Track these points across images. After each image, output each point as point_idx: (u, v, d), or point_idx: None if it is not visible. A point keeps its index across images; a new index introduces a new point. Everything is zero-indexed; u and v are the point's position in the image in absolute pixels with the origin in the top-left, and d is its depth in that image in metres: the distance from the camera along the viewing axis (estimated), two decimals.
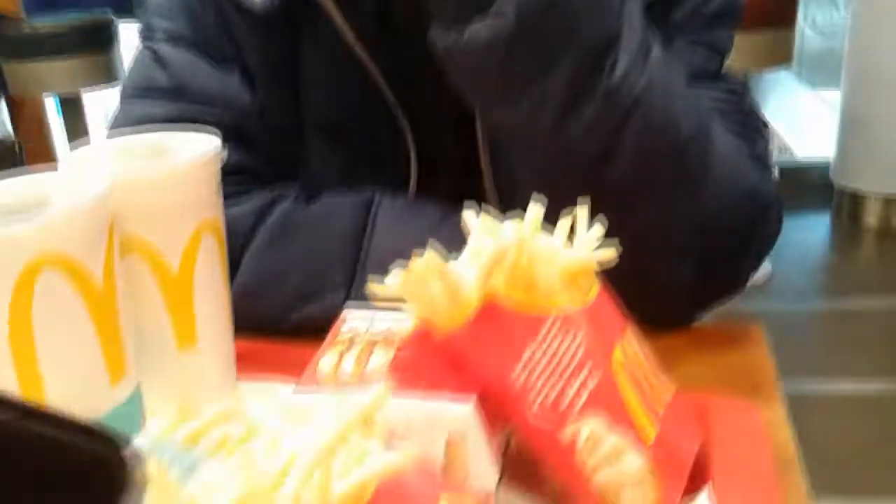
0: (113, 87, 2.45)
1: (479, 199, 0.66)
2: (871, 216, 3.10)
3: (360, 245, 0.65)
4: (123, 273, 0.47)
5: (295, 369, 0.47)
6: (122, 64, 2.43)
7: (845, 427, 1.96)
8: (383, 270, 0.63)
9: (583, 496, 0.40)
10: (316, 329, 0.63)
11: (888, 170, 3.07)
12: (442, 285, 0.41)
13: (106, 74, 2.38)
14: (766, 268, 2.39)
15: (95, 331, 0.45)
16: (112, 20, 2.38)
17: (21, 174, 0.48)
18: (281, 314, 0.65)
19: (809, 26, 3.80)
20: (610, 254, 0.42)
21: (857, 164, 3.10)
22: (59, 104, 2.58)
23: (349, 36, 0.66)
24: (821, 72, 3.69)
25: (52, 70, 2.31)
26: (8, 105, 2.82)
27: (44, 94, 2.58)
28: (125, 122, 0.65)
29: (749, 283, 0.65)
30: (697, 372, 0.56)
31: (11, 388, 0.43)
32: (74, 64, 2.32)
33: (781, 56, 2.61)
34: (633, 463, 0.40)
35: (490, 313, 0.40)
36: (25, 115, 2.65)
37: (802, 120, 3.38)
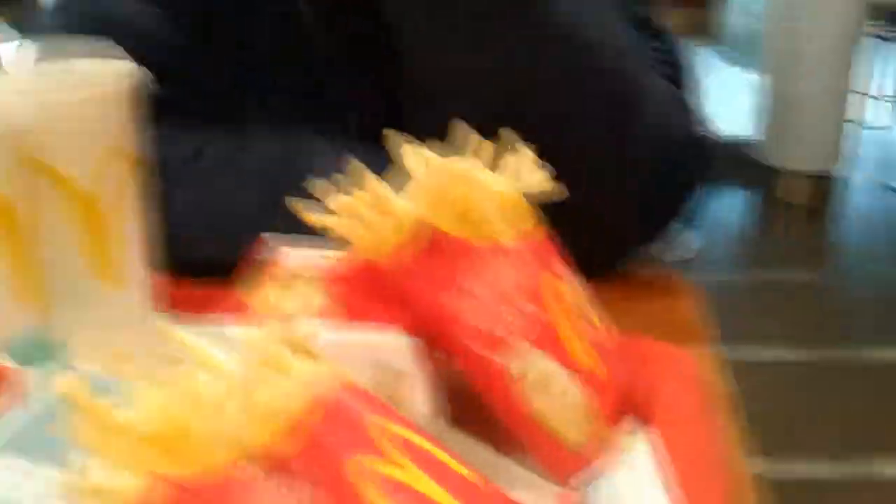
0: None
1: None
2: (796, 193, 3.20)
3: (282, 186, 0.64)
4: (32, 194, 0.45)
5: (213, 308, 0.46)
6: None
7: (770, 392, 2.03)
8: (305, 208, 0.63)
9: (519, 424, 0.40)
10: (233, 269, 0.62)
11: (811, 148, 3.17)
12: (377, 214, 0.40)
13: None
14: (693, 242, 2.44)
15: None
16: None
17: None
18: (202, 254, 0.63)
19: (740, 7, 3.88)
20: (548, 183, 0.41)
21: (782, 142, 3.20)
22: None
23: None
24: (746, 52, 3.77)
25: None
26: None
27: None
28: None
29: (677, 256, 0.66)
30: (629, 321, 0.56)
31: None
32: None
33: (708, 33, 2.66)
34: (569, 392, 0.40)
35: (426, 243, 0.40)
36: None
37: (728, 98, 3.47)
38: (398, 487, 0.31)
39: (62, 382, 0.29)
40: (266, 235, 0.62)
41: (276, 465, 0.29)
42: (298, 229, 0.59)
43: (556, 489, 0.41)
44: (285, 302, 0.43)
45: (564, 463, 0.40)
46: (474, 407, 0.40)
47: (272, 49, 0.71)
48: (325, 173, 0.64)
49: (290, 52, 0.70)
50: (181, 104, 0.66)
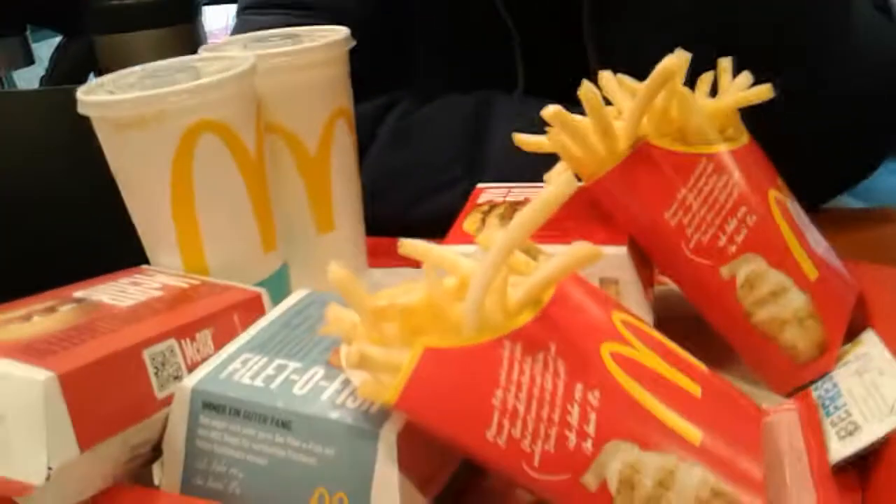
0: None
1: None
2: None
3: (479, 140, 0.66)
4: (268, 153, 0.49)
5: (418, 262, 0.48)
6: (205, 35, 2.48)
7: None
8: (502, 165, 0.65)
9: (742, 333, 0.40)
10: (437, 224, 0.65)
11: None
12: (594, 130, 0.41)
13: (191, 47, 2.43)
14: None
15: (249, 198, 0.46)
16: None
17: None
18: (402, 211, 0.66)
19: None
20: (764, 91, 0.41)
21: None
22: None
23: None
24: None
25: (140, 42, 2.37)
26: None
27: (132, 66, 2.65)
28: (244, 32, 0.68)
29: None
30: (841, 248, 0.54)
31: (171, 243, 0.45)
32: (160, 35, 2.38)
33: None
34: (795, 300, 0.40)
35: (641, 156, 0.40)
36: None
37: None
38: (634, 364, 0.32)
39: (335, 271, 0.32)
40: (459, 193, 0.66)
41: (535, 346, 0.31)
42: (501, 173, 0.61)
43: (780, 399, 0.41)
44: (500, 224, 0.45)
45: (791, 373, 0.40)
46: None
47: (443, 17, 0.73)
48: (518, 120, 0.67)
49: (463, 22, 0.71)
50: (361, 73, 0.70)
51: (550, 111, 0.39)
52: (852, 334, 0.42)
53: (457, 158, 0.66)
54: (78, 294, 0.40)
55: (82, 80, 2.91)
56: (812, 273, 0.41)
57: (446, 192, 0.65)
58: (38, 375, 0.31)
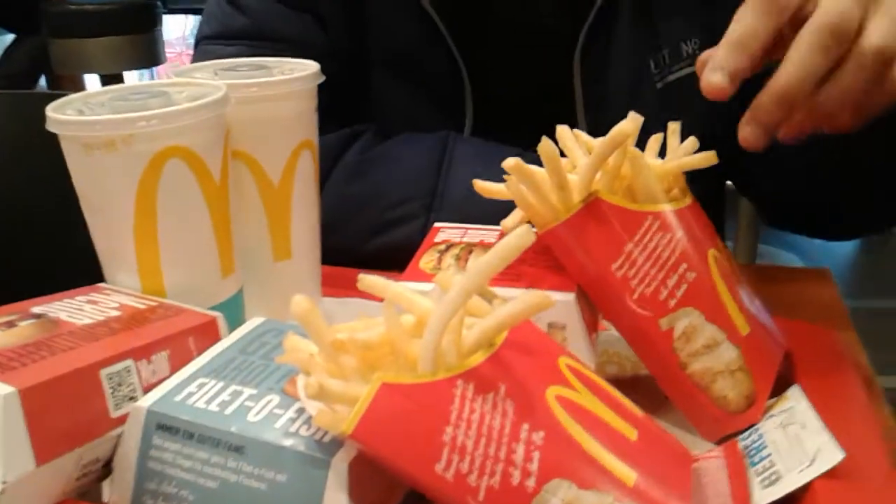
0: (150, 67, 2.48)
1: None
2: None
3: (437, 178, 0.67)
4: (232, 180, 0.50)
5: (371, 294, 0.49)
6: (162, 47, 2.47)
7: None
8: (460, 205, 0.67)
9: (677, 384, 0.43)
10: (392, 256, 0.66)
11: None
12: (550, 183, 0.43)
13: (148, 56, 2.42)
14: None
15: (211, 222, 0.47)
16: (156, 2, 2.42)
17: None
18: (359, 243, 0.67)
19: None
20: (709, 157, 0.44)
21: None
22: (102, 83, 2.61)
23: None
24: None
25: (96, 49, 2.34)
26: (48, 82, 2.87)
27: (84, 72, 2.61)
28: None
29: None
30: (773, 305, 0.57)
31: (130, 263, 0.46)
32: (117, 43, 2.36)
33: None
34: (728, 354, 0.42)
35: (593, 210, 0.43)
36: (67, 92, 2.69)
37: None
38: (577, 408, 0.34)
39: (298, 302, 0.33)
40: (416, 228, 0.67)
41: (486, 386, 0.32)
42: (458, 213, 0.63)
43: (709, 445, 0.43)
44: (455, 264, 0.47)
45: (721, 423, 0.43)
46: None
47: (410, 53, 0.75)
48: (477, 163, 0.69)
49: (425, 57, 0.74)
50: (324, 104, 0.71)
51: (511, 163, 0.41)
52: (779, 389, 0.45)
53: (415, 196, 0.67)
54: (36, 310, 0.41)
55: (31, 80, 2.84)
56: (744, 328, 0.43)
57: (403, 227, 0.67)
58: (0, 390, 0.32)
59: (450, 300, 0.32)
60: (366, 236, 0.68)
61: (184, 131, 0.44)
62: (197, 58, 0.75)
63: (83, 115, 0.45)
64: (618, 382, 0.41)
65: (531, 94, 0.74)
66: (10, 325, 0.38)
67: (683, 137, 0.47)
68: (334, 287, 0.63)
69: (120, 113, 0.44)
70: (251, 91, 0.51)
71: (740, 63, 0.44)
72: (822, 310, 0.58)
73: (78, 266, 1.04)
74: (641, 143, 0.45)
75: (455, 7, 0.71)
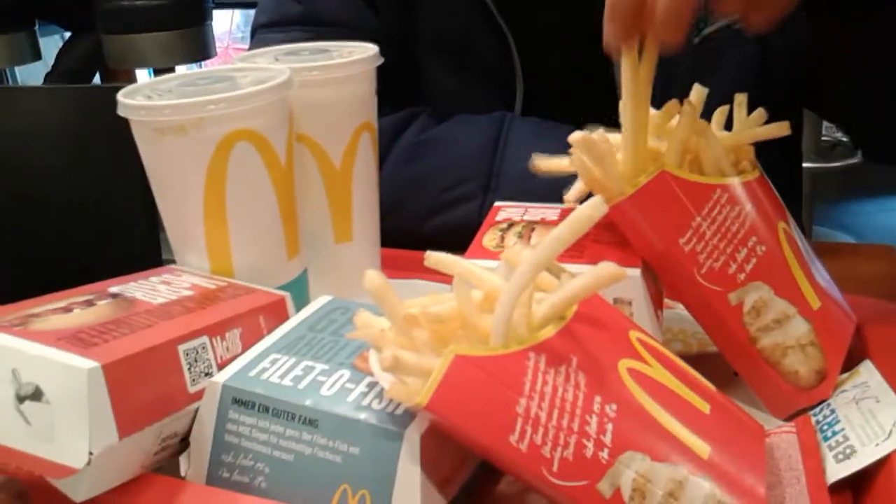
0: (202, 61, 2.52)
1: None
2: None
3: (493, 158, 0.68)
4: (295, 163, 0.51)
5: (432, 273, 0.50)
6: (213, 41, 2.50)
7: None
8: (516, 185, 0.67)
9: (746, 359, 0.42)
10: (449, 237, 0.66)
11: None
12: (615, 161, 0.43)
13: (199, 50, 2.45)
14: None
15: (278, 204, 0.48)
16: None
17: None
18: (417, 224, 0.68)
19: None
20: (781, 127, 0.43)
21: None
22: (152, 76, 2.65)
23: None
24: None
25: (148, 43, 2.38)
26: (102, 78, 2.93)
27: (137, 67, 2.66)
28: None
29: None
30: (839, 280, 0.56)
31: (200, 245, 0.47)
32: (168, 38, 2.39)
33: None
34: (799, 328, 0.42)
35: (660, 184, 0.42)
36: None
37: None
38: (649, 381, 0.34)
39: (371, 277, 0.34)
40: (474, 207, 0.68)
41: (558, 358, 0.32)
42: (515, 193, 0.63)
43: (779, 422, 0.42)
44: (518, 242, 0.47)
45: (791, 398, 0.42)
46: None
47: (463, 38, 0.75)
48: (534, 142, 0.69)
49: (479, 42, 0.74)
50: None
51: (577, 137, 0.41)
52: (849, 364, 0.44)
53: (472, 176, 0.68)
54: (113, 290, 0.42)
55: (87, 77, 2.90)
56: (815, 303, 0.43)
57: (461, 208, 0.67)
58: (84, 364, 0.33)
59: (520, 274, 0.33)
60: (424, 217, 0.69)
61: (251, 114, 0.45)
62: (254, 46, 0.76)
63: (152, 99, 0.46)
64: (684, 359, 0.41)
65: (580, 66, 0.73)
66: (90, 303, 0.39)
67: (720, 92, 0.46)
68: (394, 269, 0.63)
69: (188, 98, 0.45)
70: (313, 75, 0.52)
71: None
72: (887, 285, 0.57)
73: (134, 255, 1.06)
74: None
75: None
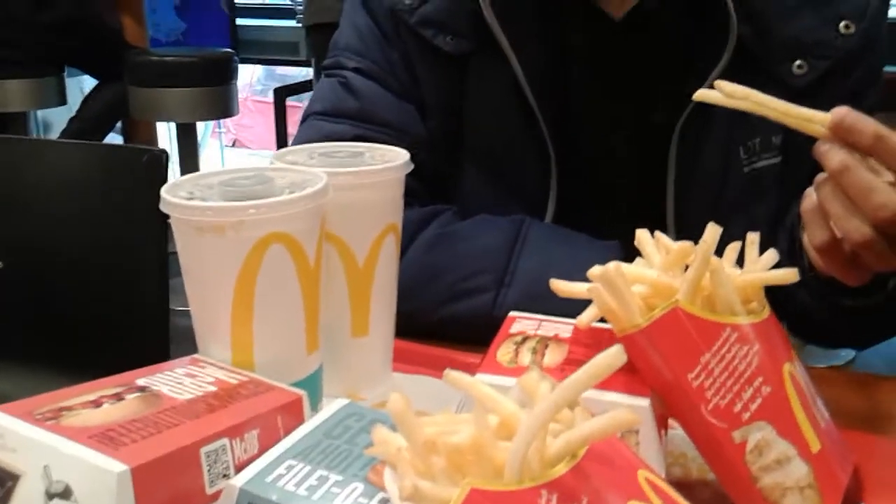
0: (223, 118, 2.58)
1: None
2: None
3: (509, 256, 0.70)
4: (327, 265, 0.53)
5: (438, 366, 0.51)
6: (236, 99, 2.56)
7: None
8: (530, 282, 0.69)
9: (747, 496, 0.43)
10: (460, 327, 0.68)
11: None
12: (630, 291, 0.45)
13: (222, 108, 2.51)
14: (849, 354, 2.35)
15: (303, 302, 0.50)
16: (234, 56, 2.52)
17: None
18: (430, 311, 0.70)
19: None
20: (790, 274, 0.45)
21: None
22: (177, 131, 2.70)
23: (520, 73, 0.73)
24: None
25: (173, 98, 2.44)
26: (123, 126, 3.00)
27: (160, 121, 2.72)
28: (315, 137, 0.73)
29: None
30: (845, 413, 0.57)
31: (224, 338, 0.48)
32: (194, 95, 2.45)
33: None
34: (798, 470, 0.43)
35: (672, 318, 0.44)
36: (140, 137, 2.81)
37: None
38: None
39: (395, 401, 0.35)
40: (486, 300, 0.70)
41: (569, 497, 0.34)
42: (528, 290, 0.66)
43: None
44: (531, 358, 0.49)
45: None
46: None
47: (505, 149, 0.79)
48: (548, 245, 0.72)
49: (518, 151, 0.77)
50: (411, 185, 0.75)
51: (597, 272, 0.43)
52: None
53: (488, 269, 0.70)
54: (140, 382, 0.44)
55: (108, 125, 2.96)
56: (815, 445, 0.44)
57: (474, 299, 0.70)
58: (114, 467, 0.34)
59: (539, 413, 0.34)
60: (438, 304, 0.71)
61: (287, 219, 0.47)
62: (303, 131, 0.80)
63: (194, 196, 0.48)
64: (683, 484, 0.42)
65: (614, 200, 0.77)
66: (119, 397, 0.41)
67: (760, 225, 0.50)
68: (405, 363, 0.65)
69: (228, 198, 0.48)
70: (345, 179, 0.54)
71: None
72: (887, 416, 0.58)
73: (146, 306, 1.08)
74: (727, 230, 0.47)
75: (554, 97, 0.75)
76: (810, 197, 0.52)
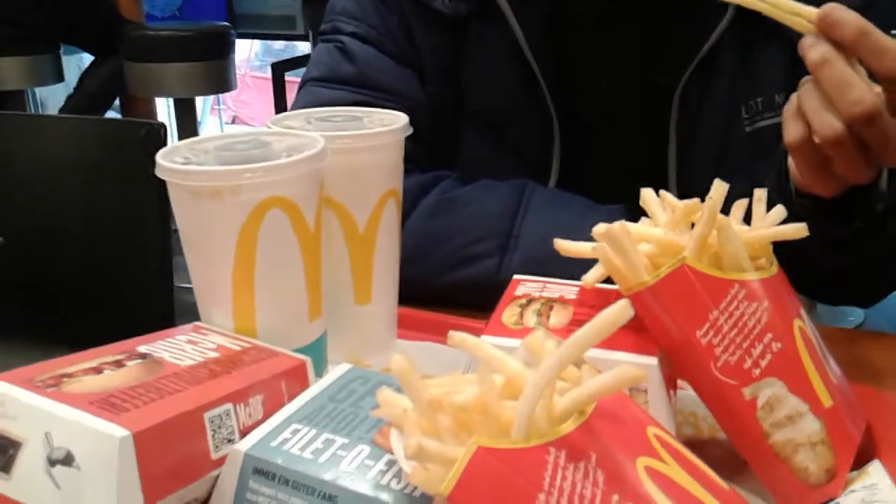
0: (221, 93, 2.56)
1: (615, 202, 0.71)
2: None
3: (514, 220, 0.70)
4: (327, 231, 0.52)
5: (443, 333, 0.50)
6: (234, 73, 2.54)
7: None
8: (534, 246, 0.68)
9: (758, 453, 0.43)
10: (464, 293, 0.67)
11: None
12: (637, 249, 0.44)
13: (219, 83, 2.49)
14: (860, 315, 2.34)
15: (304, 268, 0.49)
16: (230, 30, 2.50)
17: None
18: (434, 277, 0.70)
19: None
20: (799, 229, 0.45)
21: None
22: (175, 107, 2.68)
23: (520, 35, 0.71)
24: None
25: (170, 73, 2.42)
26: (122, 102, 2.98)
27: (157, 96, 2.70)
28: (313, 103, 0.72)
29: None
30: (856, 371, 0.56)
31: (226, 304, 0.48)
32: (191, 69, 2.43)
33: None
34: (810, 426, 0.42)
35: (679, 276, 0.43)
36: (138, 114, 2.79)
37: None
38: (666, 480, 0.34)
39: (397, 360, 0.35)
40: (490, 266, 0.69)
41: (577, 454, 0.33)
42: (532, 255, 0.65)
43: None
44: (537, 320, 0.48)
45: (801, 495, 0.43)
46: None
47: (508, 110, 0.77)
48: (553, 211, 0.71)
49: (523, 115, 0.76)
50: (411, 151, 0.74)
51: (600, 229, 0.43)
52: (859, 460, 0.44)
53: (492, 234, 0.69)
54: (142, 349, 0.43)
55: (107, 101, 2.94)
56: (827, 401, 0.43)
57: (478, 264, 0.69)
58: (116, 432, 0.34)
59: (545, 370, 0.33)
60: (441, 271, 0.70)
61: (285, 183, 0.46)
62: (301, 97, 0.79)
63: (190, 162, 0.47)
64: (694, 443, 0.42)
65: (619, 161, 0.76)
66: (119, 364, 0.40)
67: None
68: (409, 329, 0.64)
69: (225, 162, 0.47)
70: (344, 142, 0.53)
71: None
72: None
73: (148, 281, 1.07)
74: (730, 189, 0.46)
75: (555, 58, 0.74)
76: (792, 97, 0.52)
